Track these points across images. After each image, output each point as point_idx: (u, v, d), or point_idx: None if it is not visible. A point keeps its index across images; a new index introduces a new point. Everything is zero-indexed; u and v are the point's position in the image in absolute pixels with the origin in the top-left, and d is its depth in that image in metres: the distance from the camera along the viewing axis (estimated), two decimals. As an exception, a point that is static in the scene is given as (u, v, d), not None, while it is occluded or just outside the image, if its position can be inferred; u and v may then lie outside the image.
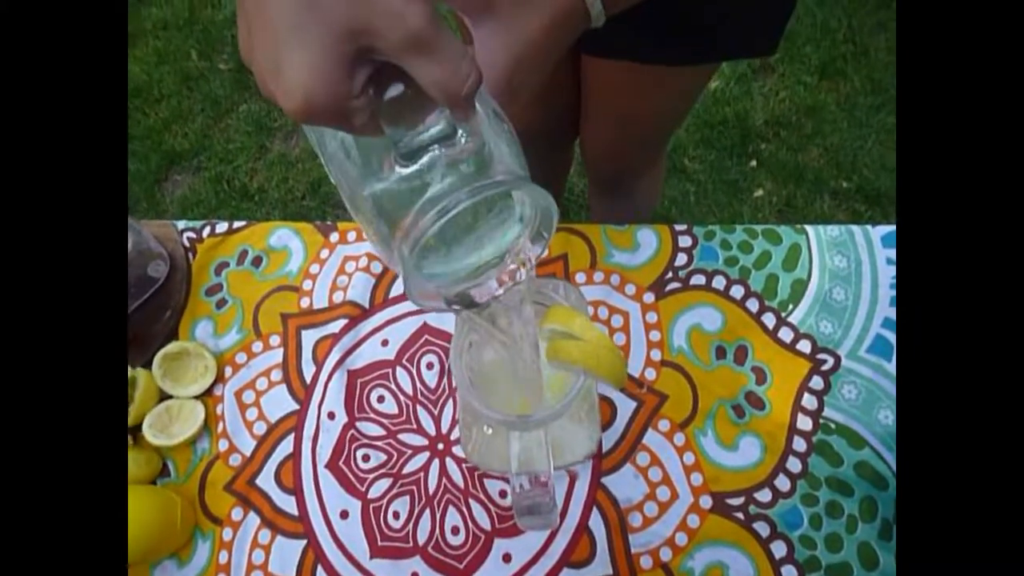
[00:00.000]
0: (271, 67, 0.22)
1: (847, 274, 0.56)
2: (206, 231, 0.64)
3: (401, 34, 0.22)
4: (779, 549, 0.49)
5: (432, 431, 0.55)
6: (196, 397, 0.57)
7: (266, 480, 0.54)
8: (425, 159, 0.26)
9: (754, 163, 1.43)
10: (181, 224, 0.64)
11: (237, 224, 0.64)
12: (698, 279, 0.57)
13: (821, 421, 0.52)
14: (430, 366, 0.57)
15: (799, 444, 0.52)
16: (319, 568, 0.51)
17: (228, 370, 0.58)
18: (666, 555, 0.49)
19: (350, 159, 0.27)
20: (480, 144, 0.27)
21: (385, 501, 0.53)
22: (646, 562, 0.49)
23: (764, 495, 0.50)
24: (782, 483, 0.51)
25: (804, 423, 0.52)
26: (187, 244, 0.63)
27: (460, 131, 0.26)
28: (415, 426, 0.55)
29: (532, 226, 0.29)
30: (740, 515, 0.50)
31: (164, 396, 0.56)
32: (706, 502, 0.50)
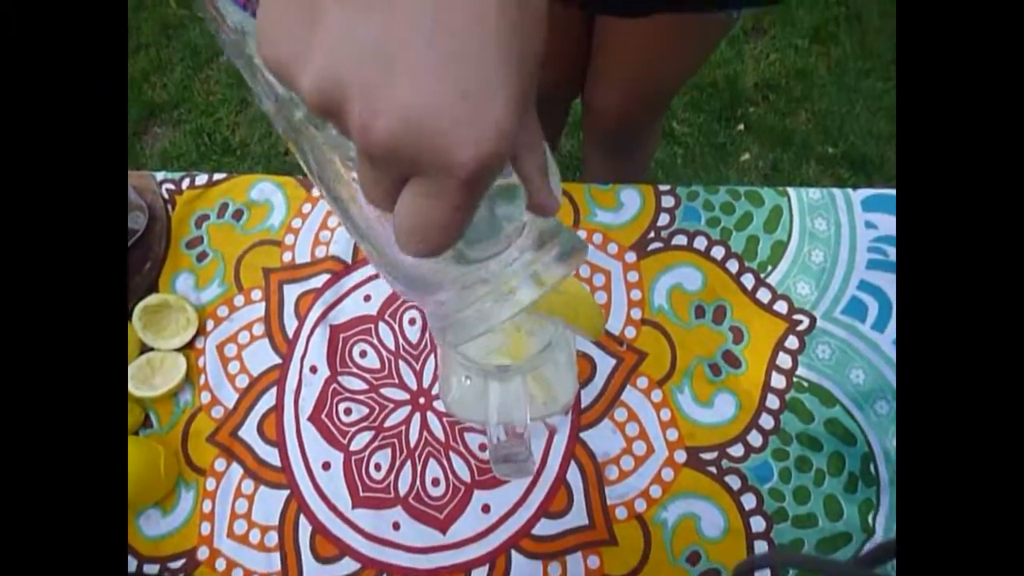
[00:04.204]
0: (453, 96, 0.17)
1: (826, 237, 0.57)
2: (185, 183, 0.63)
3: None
4: (749, 501, 0.51)
5: (413, 386, 0.55)
6: (178, 350, 0.57)
7: (249, 432, 0.55)
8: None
9: (742, 127, 1.43)
10: (160, 175, 0.63)
11: (217, 176, 0.63)
12: (680, 239, 0.58)
13: (794, 379, 0.53)
14: (412, 322, 0.57)
15: (772, 401, 0.53)
16: (302, 517, 0.52)
17: (210, 323, 0.58)
18: (640, 506, 0.51)
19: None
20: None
21: (367, 453, 0.54)
22: (621, 513, 0.51)
23: (737, 450, 0.52)
24: (754, 439, 0.52)
25: (778, 381, 0.53)
26: (166, 196, 0.62)
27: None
28: (397, 381, 0.56)
29: (556, 249, 0.28)
30: (713, 469, 0.51)
31: (145, 348, 0.56)
32: (680, 456, 0.52)
